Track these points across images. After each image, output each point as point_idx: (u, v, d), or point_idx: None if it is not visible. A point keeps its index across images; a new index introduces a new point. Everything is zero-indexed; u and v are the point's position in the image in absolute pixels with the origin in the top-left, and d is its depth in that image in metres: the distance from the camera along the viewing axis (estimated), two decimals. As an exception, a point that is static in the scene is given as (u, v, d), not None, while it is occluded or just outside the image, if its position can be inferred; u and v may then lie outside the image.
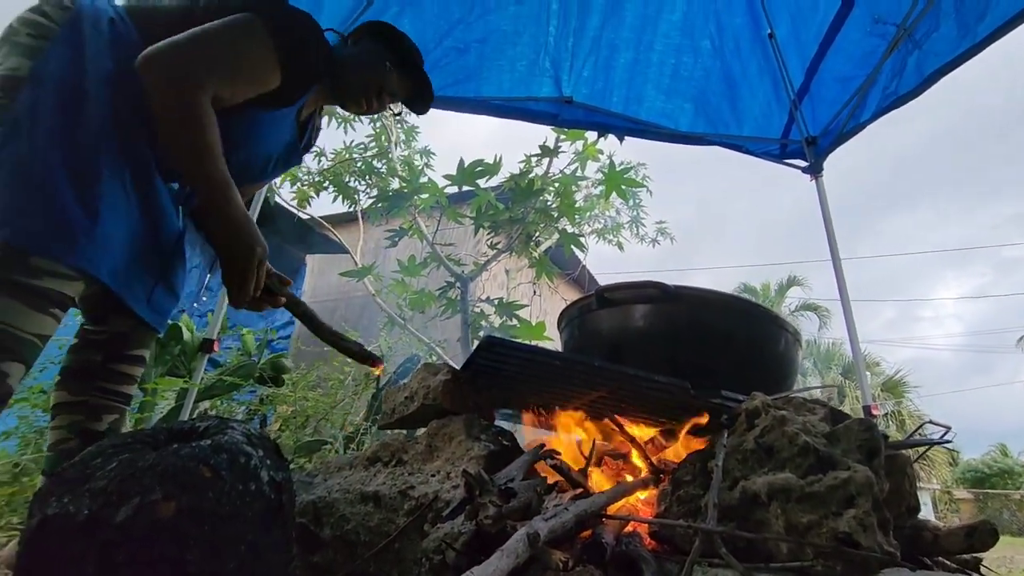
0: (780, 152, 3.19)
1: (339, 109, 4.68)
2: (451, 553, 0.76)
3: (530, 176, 3.65)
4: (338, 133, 4.63)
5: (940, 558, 0.91)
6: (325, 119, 4.69)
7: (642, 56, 2.96)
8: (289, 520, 0.72)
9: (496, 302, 3.57)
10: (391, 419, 1.18)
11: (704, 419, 0.99)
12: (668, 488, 0.87)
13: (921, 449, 1.21)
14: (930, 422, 1.18)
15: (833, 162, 3.01)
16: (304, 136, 1.51)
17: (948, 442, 1.11)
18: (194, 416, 2.87)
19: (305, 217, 4.74)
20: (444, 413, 1.09)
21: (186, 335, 2.78)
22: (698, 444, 1.04)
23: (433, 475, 0.98)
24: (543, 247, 4.10)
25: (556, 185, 3.80)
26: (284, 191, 4.38)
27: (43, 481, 1.29)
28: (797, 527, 0.63)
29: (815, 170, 2.96)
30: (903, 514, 0.84)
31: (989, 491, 19.79)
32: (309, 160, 4.56)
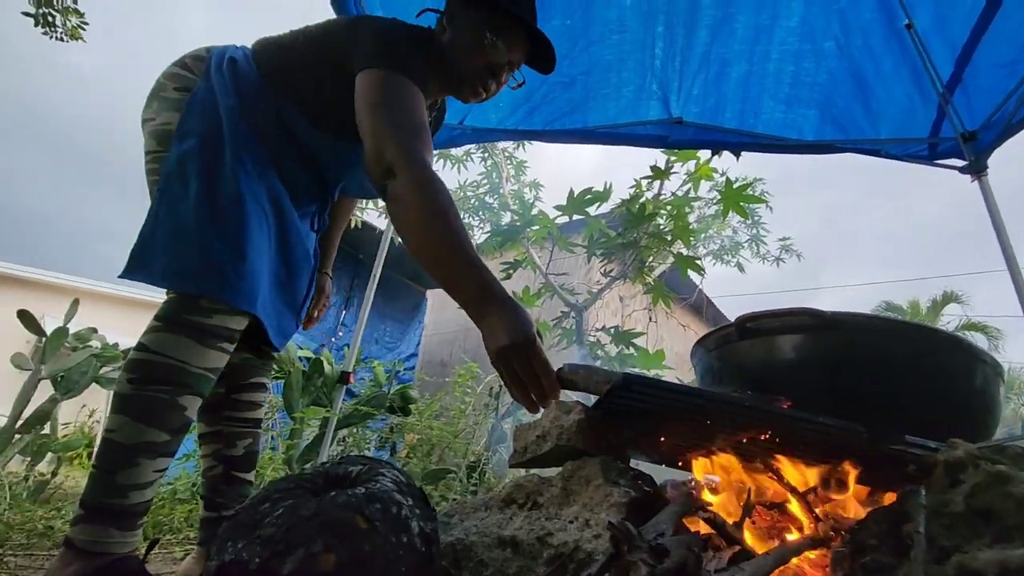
0: (929, 152, 2.82)
1: (453, 151, 4.98)
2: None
3: (641, 200, 3.56)
4: (452, 173, 4.91)
5: None
6: (440, 162, 5.01)
7: (756, 67, 2.80)
8: (439, 573, 0.72)
9: (612, 331, 3.48)
10: (523, 458, 1.16)
11: (880, 470, 0.85)
12: (845, 551, 0.75)
13: None
14: None
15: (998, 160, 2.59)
16: None
17: None
18: (334, 441, 3.10)
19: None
20: (578, 454, 1.05)
21: (327, 368, 3.03)
22: (872, 497, 0.90)
23: (571, 521, 0.94)
24: (657, 272, 3.95)
25: (669, 208, 3.66)
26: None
27: (202, 506, 1.41)
28: (1046, 620, 0.50)
29: (976, 169, 2.56)
30: None
31: None
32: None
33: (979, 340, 15.52)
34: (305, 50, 1.26)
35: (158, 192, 1.15)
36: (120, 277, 1.11)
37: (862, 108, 2.84)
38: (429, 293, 6.98)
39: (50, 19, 4.33)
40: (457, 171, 4.86)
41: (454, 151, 4.90)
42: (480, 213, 4.60)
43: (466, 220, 4.77)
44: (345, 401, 3.22)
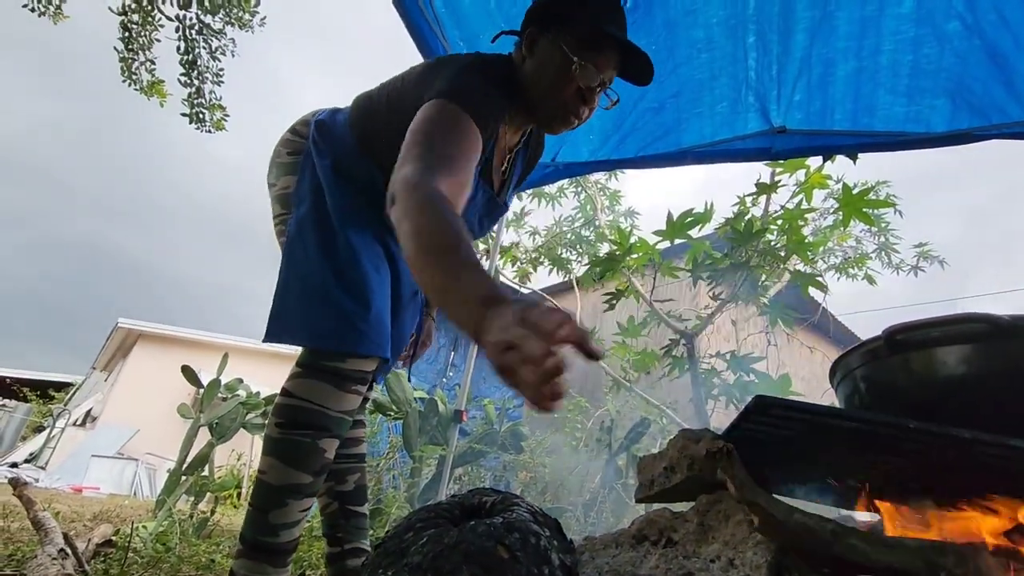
0: (1105, 126, 2.42)
1: (546, 188, 5.09)
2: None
3: (747, 217, 3.38)
4: (546, 211, 5.02)
5: None
6: (535, 201, 5.14)
7: (867, 63, 2.59)
8: (580, 605, 0.70)
9: (728, 356, 3.27)
10: (650, 492, 1.11)
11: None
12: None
13: None
14: None
15: None
16: (506, 181, 1.45)
17: None
18: (451, 480, 3.17)
19: (527, 291, 5.14)
20: (713, 487, 0.99)
21: (440, 408, 3.14)
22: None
23: (712, 560, 0.88)
24: (773, 291, 3.69)
25: (780, 222, 3.43)
26: (507, 271, 4.85)
27: (325, 543, 1.47)
28: None
29: None
30: None
31: None
32: (525, 239, 4.99)
33: None
34: (388, 117, 1.25)
35: (285, 257, 1.26)
36: (264, 341, 1.22)
37: (1004, 88, 2.52)
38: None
39: (200, 116, 5.12)
40: (551, 207, 4.95)
41: (547, 188, 5.01)
42: (577, 247, 4.62)
43: (563, 255, 4.80)
44: (459, 440, 3.31)
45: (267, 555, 1.10)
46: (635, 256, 3.51)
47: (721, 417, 3.03)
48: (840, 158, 2.95)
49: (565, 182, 5.03)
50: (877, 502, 1.07)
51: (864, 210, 3.50)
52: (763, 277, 3.51)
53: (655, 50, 2.74)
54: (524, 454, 3.57)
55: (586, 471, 3.62)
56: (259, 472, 1.15)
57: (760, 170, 3.58)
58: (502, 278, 4.69)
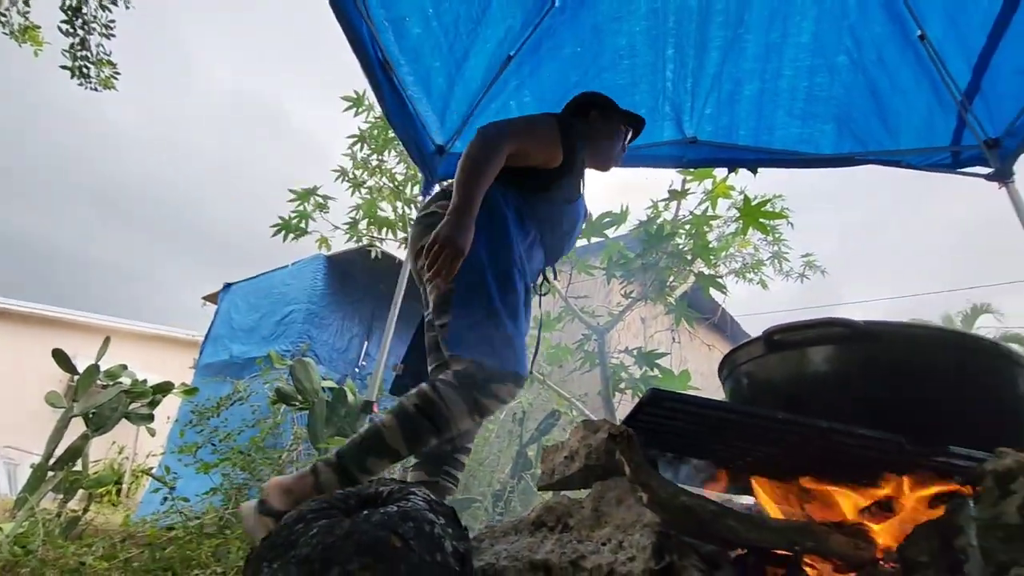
0: (953, 161, 2.79)
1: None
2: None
3: (659, 221, 3.56)
4: None
5: None
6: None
7: (769, 85, 2.82)
8: (472, 591, 0.70)
9: (635, 352, 3.44)
10: (551, 480, 1.15)
11: (928, 483, 0.82)
12: (894, 569, 0.72)
13: None
14: None
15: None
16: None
17: None
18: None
19: (442, 283, 5.09)
20: (608, 474, 1.03)
21: (350, 398, 3.04)
22: (921, 514, 0.86)
23: (604, 543, 0.92)
24: (679, 292, 3.92)
25: (688, 227, 3.65)
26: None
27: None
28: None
29: (1003, 175, 2.52)
30: None
31: None
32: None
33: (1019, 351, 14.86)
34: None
35: (464, 284, 1.44)
36: (450, 354, 1.39)
37: (880, 120, 2.83)
38: (450, 320, 6.99)
39: (85, 71, 4.58)
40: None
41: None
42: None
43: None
44: (369, 431, 3.22)
45: (345, 480, 1.25)
46: (554, 252, 3.60)
47: (627, 409, 3.17)
48: (743, 171, 3.17)
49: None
50: (755, 486, 1.17)
51: (761, 220, 3.82)
52: (671, 278, 3.72)
53: (581, 53, 2.81)
54: (435, 445, 3.55)
55: (497, 462, 3.66)
56: (382, 424, 1.32)
57: (673, 177, 3.79)
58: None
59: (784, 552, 0.85)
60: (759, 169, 3.12)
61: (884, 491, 1.00)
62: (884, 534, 0.98)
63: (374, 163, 4.42)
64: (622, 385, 3.43)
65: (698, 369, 4.64)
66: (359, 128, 4.48)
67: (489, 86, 2.77)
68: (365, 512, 0.70)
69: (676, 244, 3.60)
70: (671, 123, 3.01)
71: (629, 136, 2.02)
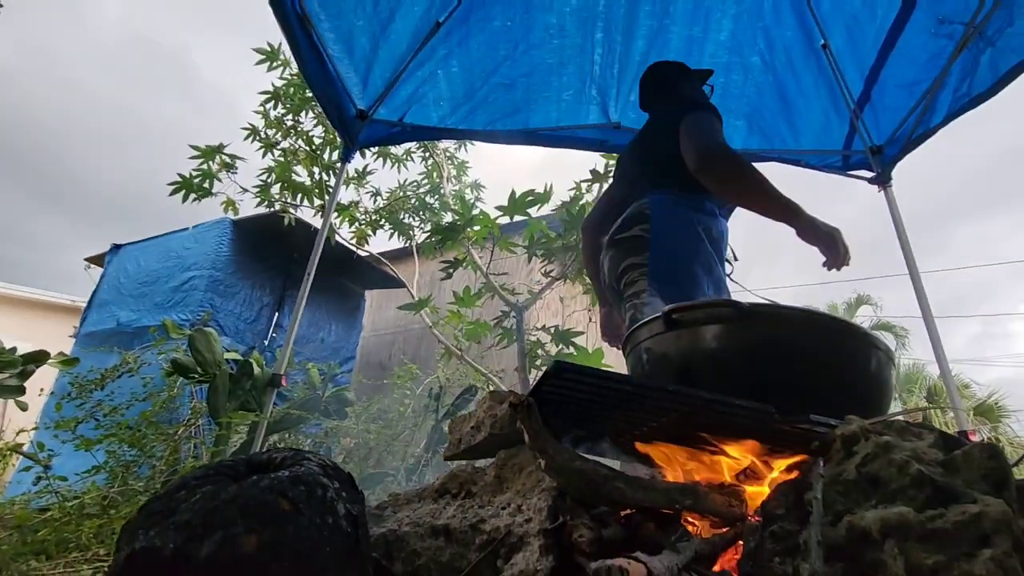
0: (843, 164, 3.05)
1: (393, 149, 4.91)
2: (528, 591, 0.72)
3: (581, 203, 3.64)
4: (391, 172, 4.83)
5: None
6: (379, 160, 4.94)
7: (690, 77, 2.93)
8: (366, 557, 0.70)
9: (552, 330, 3.53)
10: (457, 449, 1.16)
11: (791, 447, 0.92)
12: (757, 523, 0.81)
13: None
14: None
15: (901, 172, 2.85)
16: None
17: None
18: (264, 447, 2.97)
19: (363, 254, 4.93)
20: (512, 443, 1.06)
21: (256, 371, 2.90)
22: (787, 475, 0.97)
23: (503, 508, 0.95)
24: (597, 273, 4.05)
25: (607, 210, 3.76)
26: (344, 231, 4.58)
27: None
28: (921, 569, 0.56)
29: (883, 180, 2.81)
30: (1038, 554, 0.73)
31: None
32: (366, 199, 4.77)
33: (888, 339, 16.88)
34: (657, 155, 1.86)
35: None
36: None
37: (785, 120, 3.04)
38: (367, 294, 6.82)
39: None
40: (397, 170, 4.78)
41: (394, 149, 4.84)
42: (421, 213, 4.55)
43: (406, 220, 4.70)
44: (276, 405, 3.10)
45: None
46: (476, 228, 3.59)
47: (541, 385, 3.26)
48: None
49: (413, 146, 4.91)
50: (650, 453, 1.25)
51: (676, 209, 4.02)
52: (590, 260, 3.84)
53: (511, 27, 2.78)
54: (349, 420, 3.48)
55: (412, 437, 3.66)
56: None
57: (595, 159, 3.87)
58: (338, 238, 4.44)
59: (667, 511, 0.92)
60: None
61: (758, 455, 1.10)
62: (756, 493, 1.08)
63: (289, 123, 4.16)
64: (539, 362, 3.52)
65: (611, 349, 4.84)
66: (273, 85, 4.19)
67: (416, 52, 2.68)
68: (254, 477, 0.68)
69: (596, 226, 3.71)
70: (596, 107, 3.06)
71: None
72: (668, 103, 2.01)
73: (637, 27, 2.78)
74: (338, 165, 3.89)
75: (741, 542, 0.91)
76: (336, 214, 4.40)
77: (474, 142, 4.13)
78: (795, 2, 2.68)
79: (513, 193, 3.36)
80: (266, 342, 5.55)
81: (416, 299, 4.16)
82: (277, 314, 5.79)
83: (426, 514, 1.00)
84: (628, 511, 0.92)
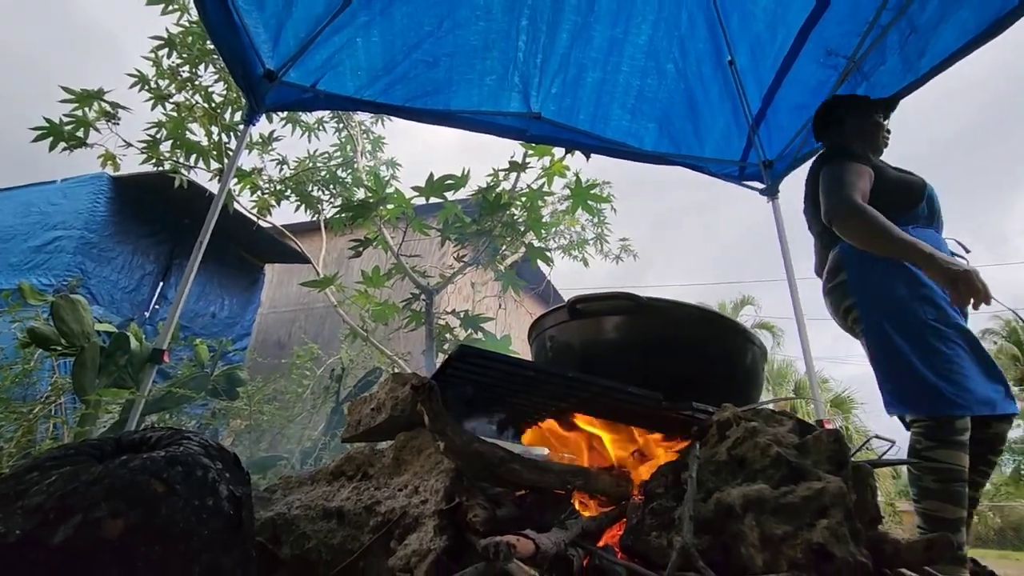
0: (739, 174, 3.30)
1: (304, 117, 4.62)
2: (421, 569, 0.73)
3: (498, 190, 3.65)
4: (301, 141, 4.51)
5: (902, 570, 0.93)
6: (288, 127, 4.63)
7: (609, 76, 3.02)
8: (249, 538, 0.67)
9: (462, 315, 3.53)
10: (356, 431, 1.14)
11: (676, 431, 0.99)
12: (638, 500, 0.87)
13: (899, 461, 1.25)
14: (877, 436, 1.22)
15: (787, 185, 3.15)
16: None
17: (914, 461, 1.15)
18: (140, 428, 2.71)
19: (265, 226, 4.60)
20: (413, 425, 1.06)
21: (134, 345, 2.63)
22: (671, 456, 1.05)
23: (400, 489, 0.94)
24: (509, 261, 4.10)
25: (523, 200, 3.81)
26: (244, 199, 4.24)
27: None
28: (772, 538, 0.63)
29: (771, 192, 3.10)
30: (867, 524, 0.86)
31: (928, 503, 20.82)
32: (271, 167, 4.45)
33: (766, 337, 18.76)
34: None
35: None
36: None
37: (692, 128, 3.22)
38: (268, 268, 6.41)
39: None
40: (307, 139, 4.50)
41: (305, 117, 4.55)
42: (331, 186, 4.33)
43: (315, 193, 4.46)
44: (157, 383, 2.84)
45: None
46: (389, 207, 3.48)
47: (448, 369, 3.24)
48: (579, 153, 3.37)
49: (326, 115, 4.65)
50: (549, 435, 1.30)
51: (589, 202, 4.15)
52: (503, 246, 3.87)
53: (437, 1, 2.71)
54: (240, 401, 3.26)
55: (310, 419, 3.51)
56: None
57: (515, 148, 3.90)
58: (237, 206, 4.11)
59: (560, 491, 0.97)
60: (592, 155, 3.35)
61: (647, 438, 1.18)
62: (644, 473, 1.16)
63: (185, 75, 3.75)
64: (446, 346, 3.51)
65: (520, 336, 4.94)
66: (168, 30, 3.76)
67: (335, 15, 2.53)
68: (124, 458, 0.62)
69: (511, 215, 3.75)
70: (519, 95, 3.07)
71: (887, 117, 2.13)
72: (825, 144, 2.14)
73: (562, 20, 2.82)
74: (240, 127, 3.59)
75: (625, 519, 0.97)
76: (236, 180, 4.06)
77: (392, 118, 3.99)
78: (708, 17, 2.84)
79: (431, 175, 3.30)
80: (147, 314, 5.04)
81: (321, 276, 3.98)
82: (162, 284, 5.27)
83: (319, 497, 0.97)
84: (523, 491, 0.96)
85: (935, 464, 1.45)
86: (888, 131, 2.12)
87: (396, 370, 3.93)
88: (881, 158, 2.07)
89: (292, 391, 3.73)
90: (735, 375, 1.12)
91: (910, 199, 1.83)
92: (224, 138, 3.89)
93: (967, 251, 1.94)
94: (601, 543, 0.93)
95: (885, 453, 1.15)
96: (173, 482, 0.59)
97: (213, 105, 3.84)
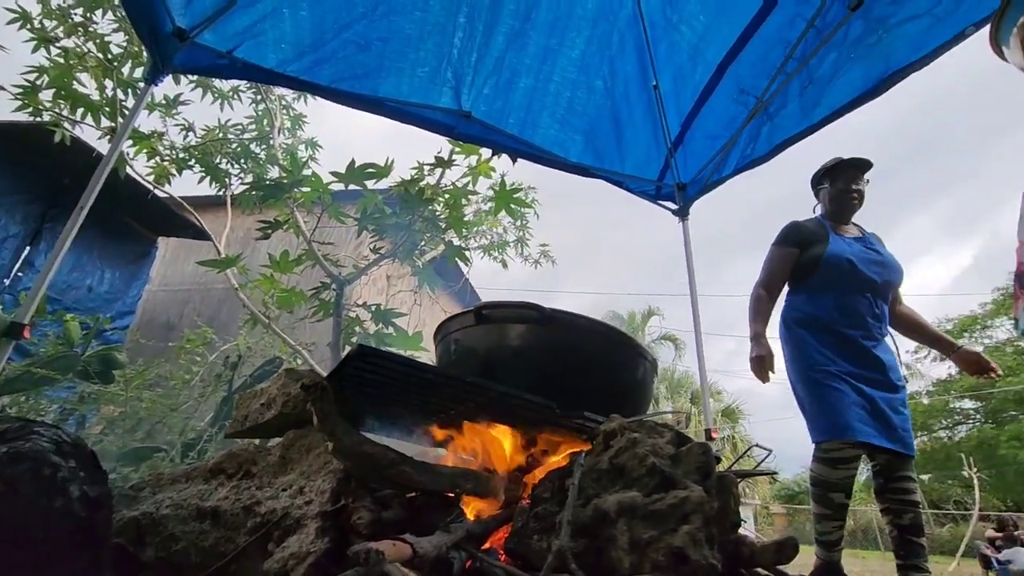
0: (655, 193, 3.49)
1: (218, 83, 4.29)
2: (298, 572, 0.70)
3: (421, 184, 3.60)
4: (212, 109, 4.15)
5: (757, 570, 1.04)
6: (197, 91, 4.26)
7: (541, 85, 3.08)
8: (104, 541, 0.61)
9: (374, 308, 3.43)
10: (242, 427, 1.07)
11: (570, 439, 1.03)
12: (525, 505, 0.89)
13: (761, 472, 1.38)
14: (756, 445, 1.36)
15: (698, 208, 3.38)
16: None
17: (775, 473, 1.28)
18: (-13, 414, 2.38)
19: (162, 196, 4.21)
20: (304, 423, 1.02)
21: (-13, 316, 2.31)
22: (562, 463, 1.09)
23: (284, 489, 0.91)
24: (428, 257, 4.05)
25: (447, 197, 3.78)
26: (140, 164, 3.85)
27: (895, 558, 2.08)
28: (639, 543, 0.68)
29: (683, 213, 3.30)
30: (727, 529, 0.94)
31: (798, 506, 23.17)
32: (174, 133, 4.08)
33: (669, 348, 20.00)
34: None
35: None
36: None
37: (616, 144, 3.36)
38: (161, 241, 5.87)
39: None
40: (220, 107, 4.17)
41: (219, 83, 4.22)
42: (242, 161, 4.03)
43: (223, 166, 4.13)
44: (13, 361, 2.51)
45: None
46: (305, 190, 3.32)
47: (355, 363, 3.13)
48: (505, 156, 3.40)
49: (243, 84, 4.34)
50: (445, 438, 1.30)
51: (512, 206, 4.20)
52: (423, 242, 3.82)
53: (377, -19, 2.63)
54: (116, 385, 2.95)
55: (197, 409, 3.25)
56: None
57: (443, 144, 3.86)
58: (131, 171, 3.72)
59: (450, 494, 0.98)
60: (519, 159, 3.39)
61: (541, 445, 1.22)
62: (537, 478, 1.20)
63: (77, 18, 3.34)
64: (354, 339, 3.40)
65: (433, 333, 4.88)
66: (59, -35, 3.34)
67: (262, -17, 2.38)
68: (-49, 454, 0.54)
69: (433, 210, 3.70)
70: (450, 91, 3.04)
71: (866, 175, 2.46)
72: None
73: (500, 23, 2.83)
74: (141, 85, 3.27)
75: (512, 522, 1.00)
76: (131, 142, 3.68)
77: (316, 97, 3.82)
78: (638, 42, 2.98)
79: (352, 161, 3.19)
80: (7, 281, 4.44)
81: (223, 256, 3.71)
82: (29, 249, 4.66)
83: (193, 495, 0.91)
84: (413, 494, 0.95)
85: (812, 475, 2.02)
86: (856, 192, 2.41)
87: (300, 360, 3.75)
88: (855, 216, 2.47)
89: (179, 377, 3.45)
90: (627, 387, 1.19)
91: (806, 273, 2.26)
92: (121, 95, 3.52)
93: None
94: (487, 546, 0.94)
95: (763, 461, 1.28)
96: (16, 481, 0.53)
97: (109, 57, 3.46)
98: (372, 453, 0.82)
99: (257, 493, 0.90)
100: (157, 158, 3.89)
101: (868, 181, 2.50)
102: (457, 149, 3.72)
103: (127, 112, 3.30)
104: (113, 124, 3.44)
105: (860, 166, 2.44)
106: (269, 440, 1.36)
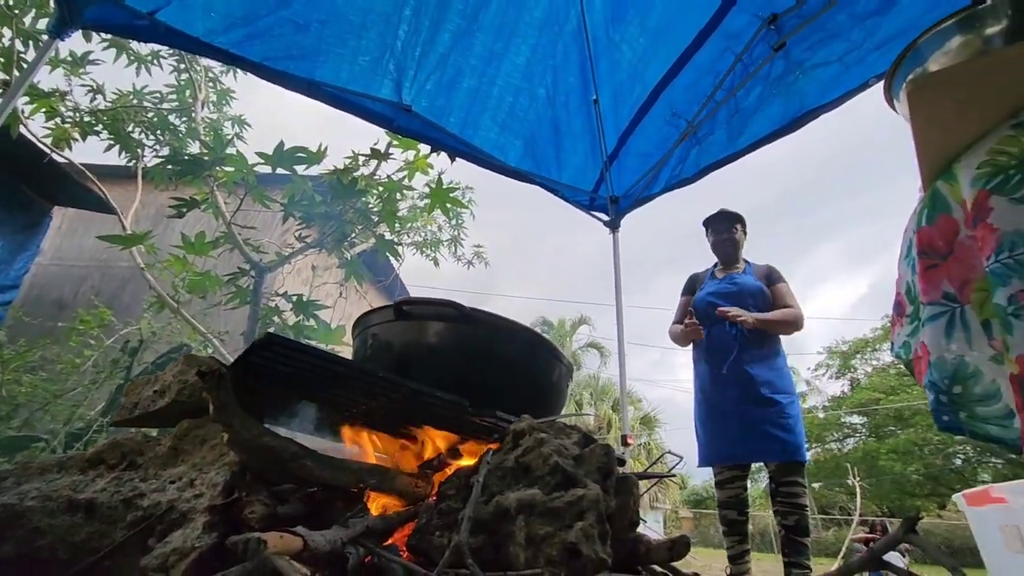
0: (589, 203, 3.59)
1: (136, 46, 3.96)
2: (179, 569, 0.66)
3: (355, 174, 3.50)
4: (127, 72, 3.79)
5: (652, 566, 1.09)
6: (111, 51, 3.91)
7: (484, 87, 3.09)
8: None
9: (295, 298, 3.29)
10: (131, 414, 1.00)
11: (482, 437, 1.04)
12: (431, 501, 0.89)
13: (660, 475, 1.45)
14: (669, 452, 1.43)
15: (629, 222, 3.52)
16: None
17: (673, 475, 1.35)
18: None
19: (61, 160, 3.83)
20: (200, 412, 0.96)
21: None
22: (472, 461, 1.09)
23: (172, 482, 0.85)
24: (357, 249, 3.94)
25: (381, 189, 3.70)
26: (37, 124, 3.47)
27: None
28: (535, 538, 0.69)
29: (614, 225, 3.43)
30: (626, 527, 0.99)
31: (704, 511, 24.60)
32: (80, 94, 3.72)
33: (595, 356, 20.59)
34: None
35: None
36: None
37: (554, 153, 3.43)
38: (56, 211, 5.32)
39: None
40: (136, 71, 3.84)
41: (136, 45, 3.89)
42: (158, 132, 3.73)
43: (135, 135, 3.80)
44: None
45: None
46: (228, 169, 3.13)
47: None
48: (444, 154, 3.38)
49: (164, 49, 4.02)
50: (354, 433, 1.27)
51: (448, 204, 4.17)
52: (353, 233, 3.71)
53: (320, -41, 2.54)
54: (-9, 365, 2.64)
55: (87, 396, 2.97)
56: None
57: (380, 135, 3.77)
58: (25, 130, 3.33)
59: (355, 489, 0.95)
60: (456, 159, 3.38)
61: (453, 442, 1.22)
62: (446, 476, 1.19)
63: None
64: (272, 329, 3.24)
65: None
66: None
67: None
68: None
69: (366, 202, 3.61)
70: (391, 83, 2.99)
71: (737, 224, 2.80)
72: None
73: (446, 20, 2.82)
74: (44, 38, 2.96)
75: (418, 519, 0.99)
76: (28, 99, 3.33)
77: (247, 73, 3.62)
78: (581, 56, 3.06)
79: (281, 143, 3.05)
80: None
81: (129, 232, 3.43)
82: None
83: (66, 486, 0.83)
84: (314, 489, 0.92)
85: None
86: (728, 239, 2.74)
87: (210, 349, 3.53)
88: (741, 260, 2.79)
89: (68, 361, 3.14)
90: (542, 390, 1.21)
91: (683, 316, 2.62)
92: (20, 47, 3.18)
93: None
94: (389, 542, 0.93)
95: (675, 467, 1.35)
96: None
97: (11, 3, 3.12)
98: (273, 446, 0.79)
99: (141, 485, 0.84)
100: (57, 119, 3.53)
101: (740, 228, 2.80)
102: (395, 142, 3.65)
103: (25, 66, 2.99)
104: (7, 77, 3.09)
105: (729, 219, 2.80)
106: (159, 431, 1.27)
